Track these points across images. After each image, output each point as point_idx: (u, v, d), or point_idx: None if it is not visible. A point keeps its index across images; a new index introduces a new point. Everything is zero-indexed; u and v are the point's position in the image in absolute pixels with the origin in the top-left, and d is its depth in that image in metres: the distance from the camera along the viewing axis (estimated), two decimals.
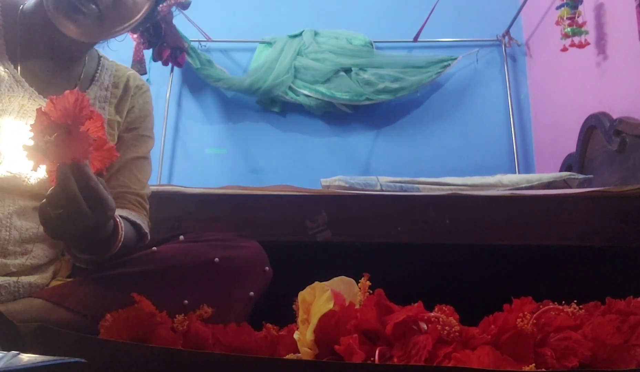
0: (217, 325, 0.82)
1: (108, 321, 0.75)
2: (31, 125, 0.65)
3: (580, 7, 2.07)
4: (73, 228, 0.70)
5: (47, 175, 0.67)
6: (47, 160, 0.66)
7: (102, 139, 0.70)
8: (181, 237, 0.94)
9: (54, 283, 0.86)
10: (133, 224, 0.89)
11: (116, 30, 0.89)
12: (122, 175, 0.95)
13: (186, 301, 0.85)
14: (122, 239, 0.80)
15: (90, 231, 0.72)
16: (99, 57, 0.99)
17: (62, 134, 0.64)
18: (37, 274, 0.84)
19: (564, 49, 2.10)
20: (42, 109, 0.65)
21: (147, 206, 0.99)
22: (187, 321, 0.79)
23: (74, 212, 0.67)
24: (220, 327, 0.81)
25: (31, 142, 0.65)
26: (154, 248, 0.90)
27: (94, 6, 0.82)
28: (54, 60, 0.90)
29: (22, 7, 0.89)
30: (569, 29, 2.04)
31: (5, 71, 0.84)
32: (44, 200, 0.69)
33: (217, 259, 0.89)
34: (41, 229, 0.84)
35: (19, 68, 0.86)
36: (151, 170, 1.03)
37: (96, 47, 0.98)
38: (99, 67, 0.98)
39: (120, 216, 0.84)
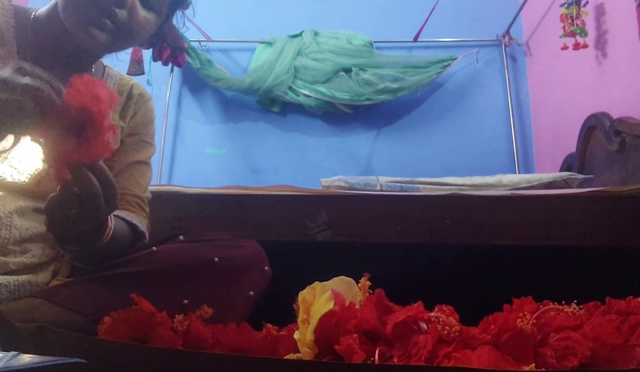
0: (217, 325, 0.82)
1: (107, 323, 0.75)
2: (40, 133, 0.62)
3: (585, 8, 2.07)
4: (86, 226, 0.70)
5: (50, 176, 0.65)
6: (56, 162, 0.63)
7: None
8: (181, 237, 0.95)
9: (54, 283, 0.86)
10: (128, 223, 0.90)
11: (127, 44, 0.92)
12: (122, 178, 0.96)
13: (186, 301, 0.85)
14: (110, 232, 0.79)
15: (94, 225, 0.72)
16: (104, 66, 1.01)
17: (82, 130, 0.62)
18: (36, 273, 0.84)
19: (565, 47, 2.10)
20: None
21: (147, 209, 1.00)
22: (187, 321, 0.79)
23: (93, 209, 0.67)
24: (220, 327, 0.81)
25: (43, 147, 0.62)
26: (154, 248, 0.90)
27: (109, 22, 0.84)
28: (62, 67, 0.91)
29: (35, 14, 0.90)
30: (575, 28, 2.04)
31: None
32: (53, 200, 0.67)
33: (216, 259, 0.89)
34: (41, 228, 0.84)
35: None
36: (151, 176, 1.05)
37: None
38: (104, 76, 1.00)
39: (116, 216, 0.84)
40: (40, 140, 0.63)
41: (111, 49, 0.92)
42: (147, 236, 0.96)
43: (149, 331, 0.76)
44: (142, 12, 0.88)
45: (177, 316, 0.79)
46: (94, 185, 0.66)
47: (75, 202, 0.66)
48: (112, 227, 0.80)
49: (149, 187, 1.04)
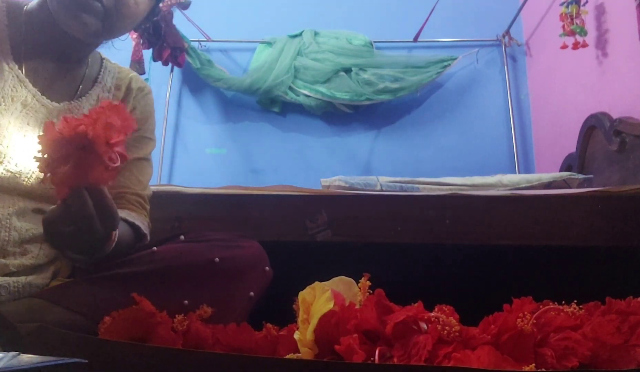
0: (217, 325, 0.82)
1: (107, 323, 0.75)
2: (46, 139, 0.64)
3: (584, 7, 2.08)
4: (82, 243, 0.71)
5: (52, 188, 0.66)
6: (57, 177, 0.64)
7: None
8: (181, 237, 0.94)
9: (54, 283, 0.86)
10: (131, 225, 0.90)
11: (119, 29, 0.90)
12: (123, 176, 0.95)
13: (186, 301, 0.85)
14: (115, 240, 0.80)
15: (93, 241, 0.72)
16: (102, 59, 1.00)
17: (82, 154, 0.64)
18: (37, 274, 0.84)
19: (564, 46, 2.10)
20: (57, 125, 0.64)
21: (148, 207, 0.99)
22: (187, 321, 0.79)
23: (87, 230, 0.69)
24: (220, 327, 0.81)
25: (43, 156, 0.64)
26: (154, 248, 0.90)
27: (98, 4, 0.83)
28: (57, 61, 0.90)
29: (26, 8, 0.89)
30: (575, 27, 2.04)
31: (9, 71, 0.84)
32: (50, 215, 0.69)
33: (217, 259, 0.89)
34: (41, 229, 0.84)
35: (23, 68, 0.86)
36: (152, 172, 1.04)
37: (100, 47, 0.98)
38: (102, 69, 0.98)
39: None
40: (43, 156, 0.64)
41: (104, 36, 0.90)
42: (149, 236, 0.96)
43: (150, 331, 0.76)
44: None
45: (177, 316, 0.79)
46: (87, 208, 0.67)
47: (70, 220, 0.67)
48: (116, 239, 0.80)
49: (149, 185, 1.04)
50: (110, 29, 0.88)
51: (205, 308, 0.83)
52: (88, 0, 0.82)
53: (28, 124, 0.84)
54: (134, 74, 1.04)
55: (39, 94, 0.87)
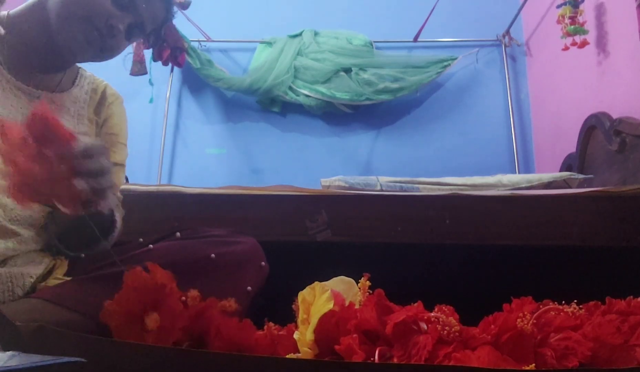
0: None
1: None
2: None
3: (582, 6, 2.08)
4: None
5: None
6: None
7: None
8: (177, 233, 0.95)
9: (52, 282, 0.86)
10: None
11: (107, 59, 0.97)
12: None
13: (184, 298, 0.85)
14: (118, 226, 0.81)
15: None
16: (78, 67, 1.05)
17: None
18: (30, 263, 0.85)
19: (565, 48, 2.10)
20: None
21: (122, 211, 1.01)
22: (200, 302, 0.78)
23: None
24: (222, 320, 0.81)
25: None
26: (151, 246, 0.90)
27: (100, 41, 0.89)
28: (37, 66, 0.94)
29: (9, 13, 0.93)
30: (570, 28, 2.04)
31: None
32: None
33: (213, 255, 0.89)
34: (26, 212, 0.85)
35: (4, 64, 0.89)
36: (124, 180, 1.08)
37: None
38: (78, 75, 1.03)
39: None
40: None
41: (91, 61, 0.96)
42: (119, 225, 0.95)
43: (160, 301, 0.75)
44: (123, 42, 0.93)
45: (190, 291, 0.78)
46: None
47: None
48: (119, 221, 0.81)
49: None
50: (100, 60, 0.95)
51: (231, 302, 0.82)
52: (94, 35, 0.88)
53: (9, 115, 0.86)
54: (106, 82, 1.09)
55: (14, 80, 0.89)
